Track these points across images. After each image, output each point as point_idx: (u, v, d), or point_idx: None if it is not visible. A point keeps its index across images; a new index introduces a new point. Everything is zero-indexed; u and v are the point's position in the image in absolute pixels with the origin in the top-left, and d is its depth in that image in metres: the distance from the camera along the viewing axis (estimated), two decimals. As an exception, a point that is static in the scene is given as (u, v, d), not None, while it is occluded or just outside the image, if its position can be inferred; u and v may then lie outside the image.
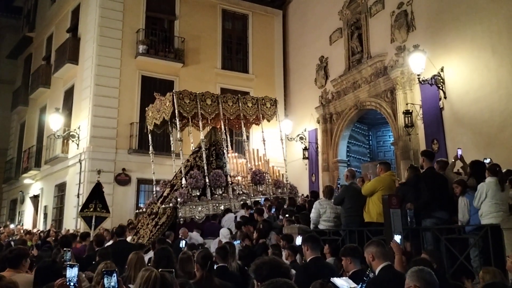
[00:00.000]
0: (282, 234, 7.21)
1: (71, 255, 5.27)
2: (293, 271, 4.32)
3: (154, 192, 12.80)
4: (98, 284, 3.42)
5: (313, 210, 7.62)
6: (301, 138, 16.62)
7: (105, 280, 2.63)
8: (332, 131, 15.64)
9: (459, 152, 7.76)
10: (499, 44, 10.24)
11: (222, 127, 12.24)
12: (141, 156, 15.03)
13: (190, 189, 10.54)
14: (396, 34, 13.03)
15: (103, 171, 13.38)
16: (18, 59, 24.86)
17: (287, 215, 8.30)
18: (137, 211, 13.89)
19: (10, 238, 12.78)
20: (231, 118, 12.27)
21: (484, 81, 10.47)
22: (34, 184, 19.78)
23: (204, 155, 11.08)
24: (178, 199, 10.30)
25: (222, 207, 10.73)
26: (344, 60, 15.19)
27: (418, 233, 6.27)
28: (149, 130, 12.79)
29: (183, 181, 10.68)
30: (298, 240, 6.01)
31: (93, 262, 5.97)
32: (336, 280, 3.66)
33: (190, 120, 12.20)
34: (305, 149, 16.47)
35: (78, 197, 14.79)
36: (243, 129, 12.51)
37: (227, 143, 12.64)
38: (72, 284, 2.97)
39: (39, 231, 15.33)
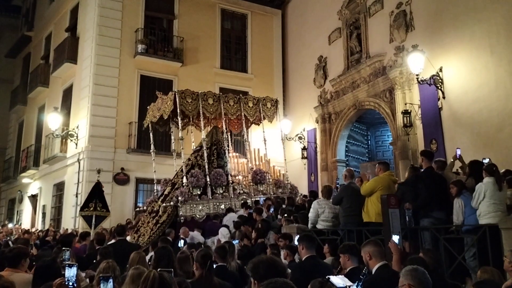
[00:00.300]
0: (281, 234, 7.21)
1: (69, 255, 5.27)
2: (289, 271, 4.33)
3: (155, 191, 12.81)
4: (99, 283, 3.44)
5: (311, 209, 7.63)
6: (300, 138, 16.63)
7: (102, 286, 2.65)
8: (331, 130, 15.65)
9: (458, 152, 7.77)
10: (497, 44, 10.26)
11: (224, 126, 12.25)
12: (140, 155, 15.03)
13: (191, 188, 10.56)
14: (395, 34, 13.04)
15: (102, 170, 13.38)
16: (16, 58, 24.84)
17: (285, 215, 8.30)
18: (137, 209, 13.90)
19: (8, 238, 12.77)
20: (232, 118, 12.27)
21: (483, 81, 10.48)
22: (33, 183, 19.76)
23: (205, 154, 11.10)
24: (179, 198, 10.32)
25: (222, 206, 10.75)
26: (343, 60, 15.20)
27: (416, 233, 6.28)
28: (150, 129, 12.78)
29: (184, 180, 10.71)
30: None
31: (94, 261, 5.97)
32: (332, 278, 3.68)
33: (191, 119, 12.22)
34: (303, 148, 16.48)
35: (76, 196, 14.78)
36: (244, 129, 12.51)
37: (228, 142, 12.65)
38: (70, 283, 2.98)
39: (38, 231, 15.34)
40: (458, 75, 11.09)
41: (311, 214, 7.57)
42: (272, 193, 11.75)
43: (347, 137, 15.56)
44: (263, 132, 12.31)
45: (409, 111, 11.95)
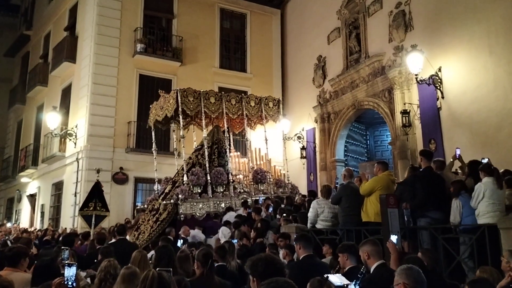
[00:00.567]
0: (279, 233, 7.22)
1: (69, 254, 5.26)
2: (287, 270, 4.33)
3: (156, 190, 12.82)
4: (101, 282, 3.44)
5: (311, 209, 7.63)
6: (299, 138, 16.63)
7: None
8: (330, 130, 15.65)
9: (458, 151, 7.78)
10: (496, 44, 10.27)
11: (225, 125, 12.26)
12: (138, 155, 15.03)
13: (191, 186, 10.58)
14: (394, 34, 13.05)
15: (101, 170, 13.36)
16: (15, 57, 24.82)
17: (284, 215, 8.31)
18: (137, 207, 13.90)
19: (7, 237, 12.75)
20: (234, 117, 12.27)
21: (482, 81, 10.50)
22: (31, 182, 19.74)
23: (206, 153, 11.12)
24: (179, 196, 10.34)
25: (223, 205, 10.77)
26: (342, 60, 15.20)
27: (415, 232, 6.29)
28: (152, 128, 12.77)
29: (185, 178, 10.74)
30: (297, 240, 6.02)
31: (95, 260, 5.97)
32: (330, 277, 3.70)
33: (193, 118, 12.21)
34: (302, 148, 16.49)
35: (75, 195, 14.77)
36: (246, 128, 12.52)
37: (229, 141, 12.66)
38: (70, 283, 2.98)
39: (36, 230, 15.32)
40: (457, 75, 11.10)
41: (310, 214, 7.58)
42: (272, 193, 11.76)
43: (346, 137, 15.56)
44: (265, 131, 12.30)
45: (408, 111, 11.96)
